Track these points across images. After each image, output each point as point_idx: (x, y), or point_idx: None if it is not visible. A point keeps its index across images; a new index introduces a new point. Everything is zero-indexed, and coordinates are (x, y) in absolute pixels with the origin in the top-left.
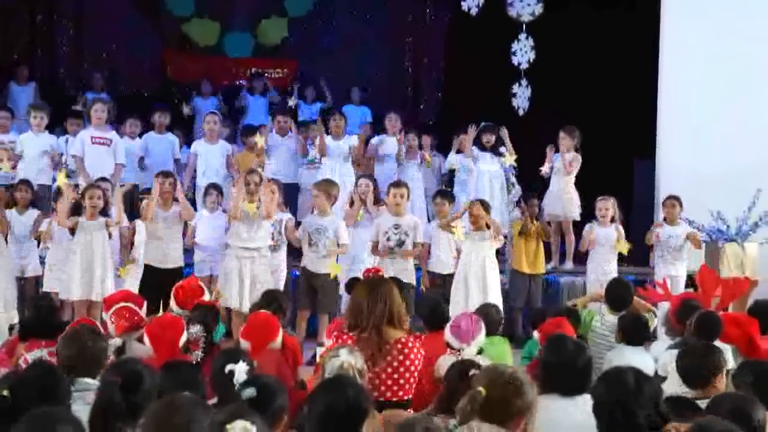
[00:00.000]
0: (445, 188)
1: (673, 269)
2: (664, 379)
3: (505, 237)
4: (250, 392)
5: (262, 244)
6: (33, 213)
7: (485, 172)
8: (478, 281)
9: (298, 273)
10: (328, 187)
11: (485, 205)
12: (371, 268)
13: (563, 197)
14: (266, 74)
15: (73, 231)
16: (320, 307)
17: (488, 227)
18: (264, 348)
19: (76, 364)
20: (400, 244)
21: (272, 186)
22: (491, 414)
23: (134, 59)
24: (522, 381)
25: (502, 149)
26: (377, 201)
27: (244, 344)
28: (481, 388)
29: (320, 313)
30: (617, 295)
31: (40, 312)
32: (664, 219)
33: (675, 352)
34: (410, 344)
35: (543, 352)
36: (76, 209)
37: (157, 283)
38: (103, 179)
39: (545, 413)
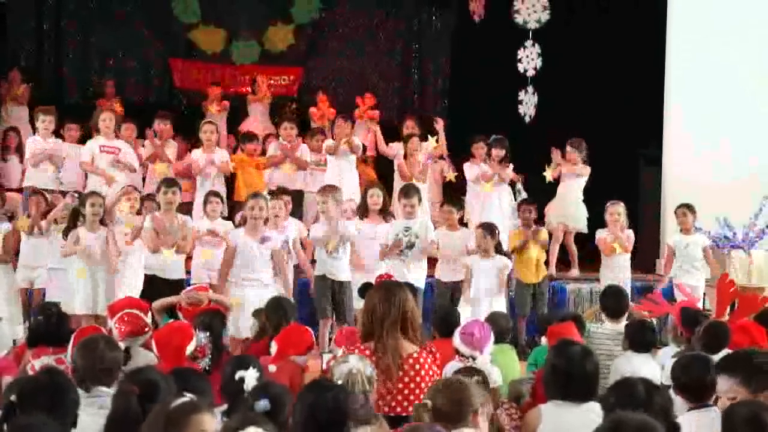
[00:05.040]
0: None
1: (692, 279)
2: (670, 386)
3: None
4: (263, 405)
5: (263, 275)
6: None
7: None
8: (486, 291)
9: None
10: (334, 192)
11: (491, 229)
12: (383, 274)
13: (576, 206)
14: (272, 81)
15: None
16: (341, 315)
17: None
18: (287, 356)
19: (91, 372)
20: (411, 246)
21: (283, 200)
22: (447, 419)
23: (140, 66)
24: (462, 386)
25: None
26: (386, 213)
27: (273, 347)
28: (427, 401)
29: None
30: (611, 302)
31: (49, 319)
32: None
33: None
34: (422, 359)
35: (551, 358)
36: (74, 217)
37: (158, 294)
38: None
39: (552, 419)
